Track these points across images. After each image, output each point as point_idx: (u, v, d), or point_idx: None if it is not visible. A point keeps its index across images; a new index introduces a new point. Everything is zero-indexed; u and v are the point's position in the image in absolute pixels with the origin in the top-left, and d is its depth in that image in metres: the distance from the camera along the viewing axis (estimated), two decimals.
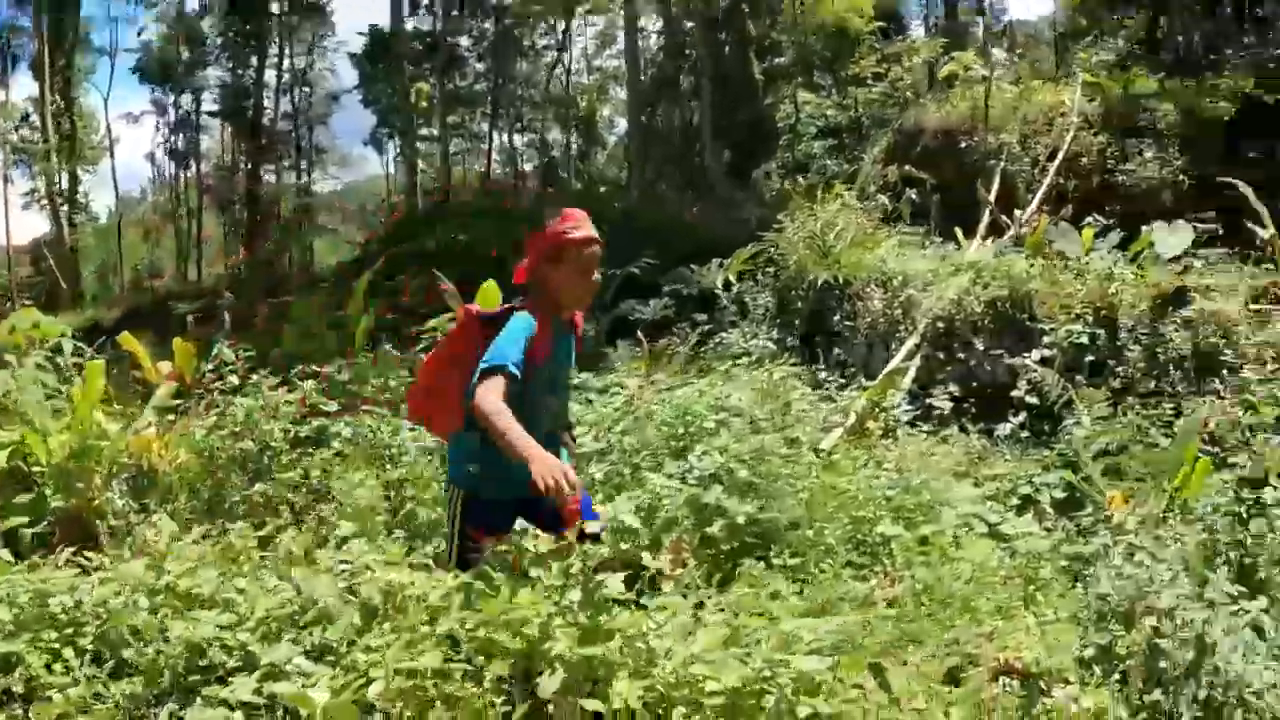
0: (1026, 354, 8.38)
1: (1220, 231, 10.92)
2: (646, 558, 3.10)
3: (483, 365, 3.32)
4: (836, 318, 10.09)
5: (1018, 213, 12.22)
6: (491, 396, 3.24)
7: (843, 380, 8.74)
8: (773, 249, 10.93)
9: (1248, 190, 10.07)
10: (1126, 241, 10.59)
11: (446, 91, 34.87)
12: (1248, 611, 4.45)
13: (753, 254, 11.01)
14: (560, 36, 39.02)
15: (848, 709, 2.78)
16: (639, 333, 10.31)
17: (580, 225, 3.54)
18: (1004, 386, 8.34)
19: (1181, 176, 13.76)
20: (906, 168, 13.99)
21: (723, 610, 3.23)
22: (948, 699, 4.16)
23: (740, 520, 4.88)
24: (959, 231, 11.93)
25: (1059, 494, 6.67)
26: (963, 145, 14.81)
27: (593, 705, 2.72)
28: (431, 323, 8.77)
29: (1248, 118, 13.73)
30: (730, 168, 24.71)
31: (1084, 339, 8.33)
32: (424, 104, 35.12)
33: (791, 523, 5.25)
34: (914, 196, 13.46)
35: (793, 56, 27.35)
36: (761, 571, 4.78)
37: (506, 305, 3.59)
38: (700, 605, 3.20)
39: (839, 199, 11.04)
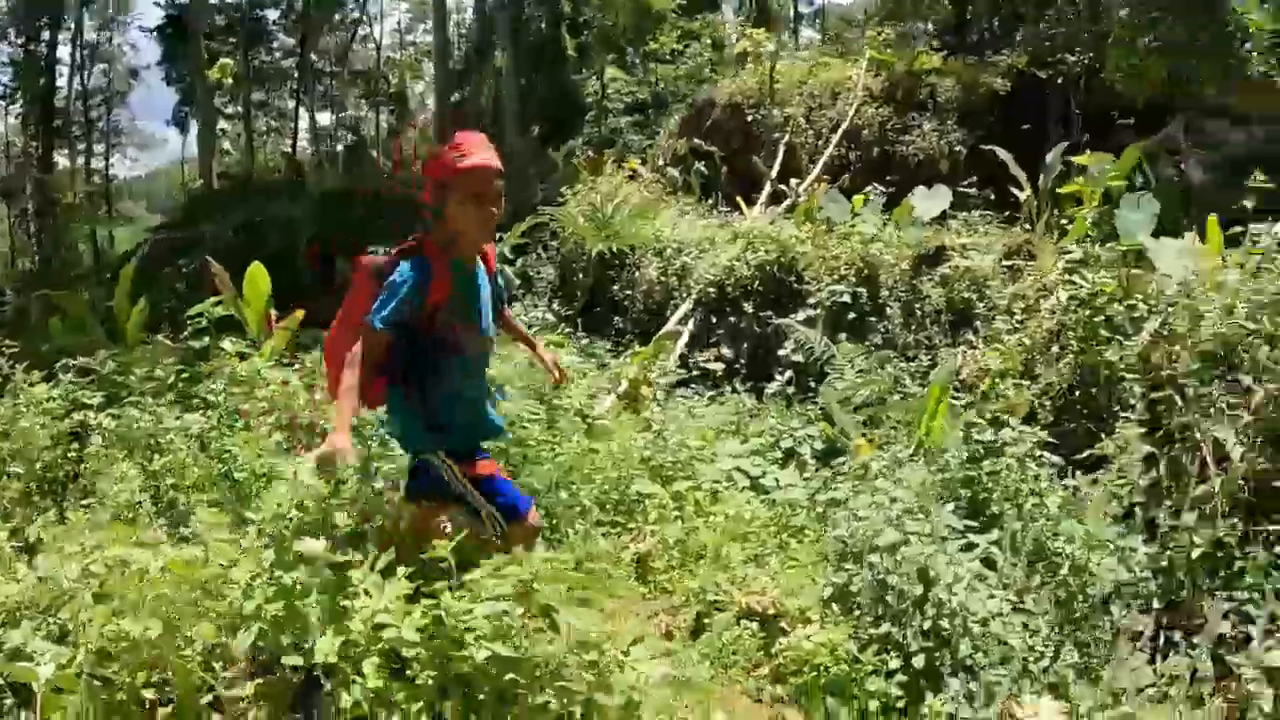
0: (793, 314, 8.65)
1: (991, 196, 11.50)
2: (340, 517, 3.05)
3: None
4: (616, 287, 10.22)
5: (794, 181, 12.59)
6: (351, 358, 3.10)
7: (614, 347, 8.83)
8: (552, 221, 10.93)
9: (1008, 157, 10.64)
10: (895, 206, 11.05)
11: (251, 67, 33.43)
12: (976, 545, 4.75)
13: (531, 227, 10.99)
14: (364, 11, 37.96)
15: (533, 652, 2.84)
16: None
17: (469, 152, 3.20)
18: (773, 346, 8.59)
19: (959, 147, 14.37)
20: (696, 141, 14.25)
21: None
22: (689, 644, 4.31)
23: None
24: (742, 201, 12.22)
25: (819, 445, 6.92)
26: (750, 119, 15.09)
27: (291, 660, 2.75)
28: (197, 308, 8.41)
29: (1021, 92, 14.48)
30: (539, 143, 24.60)
31: (847, 298, 8.65)
32: (228, 80, 33.56)
33: (546, 486, 5.30)
34: (703, 169, 13.72)
35: (598, 32, 27.42)
36: None
37: (399, 248, 3.32)
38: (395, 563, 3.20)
39: (624, 171, 11.11)
